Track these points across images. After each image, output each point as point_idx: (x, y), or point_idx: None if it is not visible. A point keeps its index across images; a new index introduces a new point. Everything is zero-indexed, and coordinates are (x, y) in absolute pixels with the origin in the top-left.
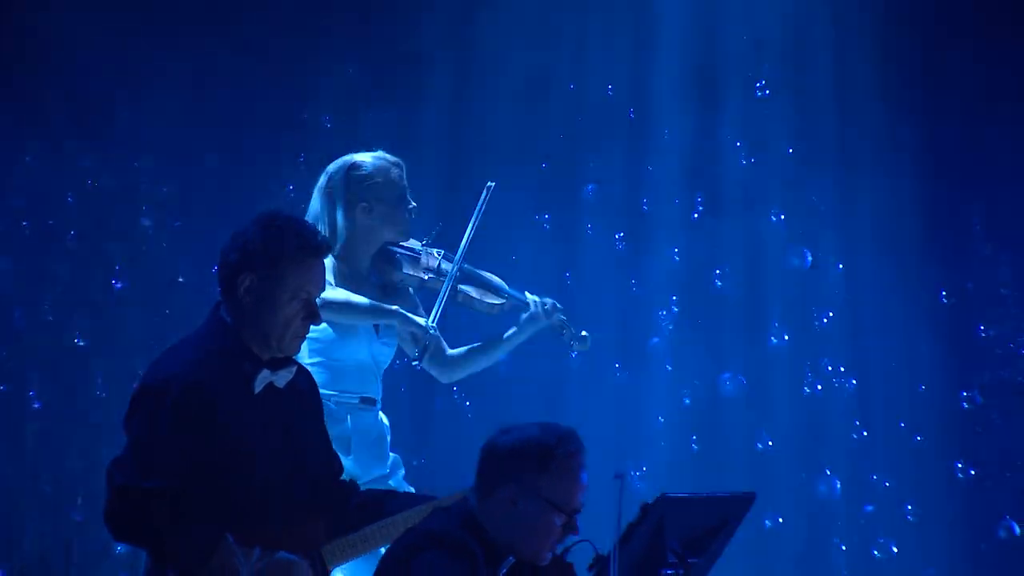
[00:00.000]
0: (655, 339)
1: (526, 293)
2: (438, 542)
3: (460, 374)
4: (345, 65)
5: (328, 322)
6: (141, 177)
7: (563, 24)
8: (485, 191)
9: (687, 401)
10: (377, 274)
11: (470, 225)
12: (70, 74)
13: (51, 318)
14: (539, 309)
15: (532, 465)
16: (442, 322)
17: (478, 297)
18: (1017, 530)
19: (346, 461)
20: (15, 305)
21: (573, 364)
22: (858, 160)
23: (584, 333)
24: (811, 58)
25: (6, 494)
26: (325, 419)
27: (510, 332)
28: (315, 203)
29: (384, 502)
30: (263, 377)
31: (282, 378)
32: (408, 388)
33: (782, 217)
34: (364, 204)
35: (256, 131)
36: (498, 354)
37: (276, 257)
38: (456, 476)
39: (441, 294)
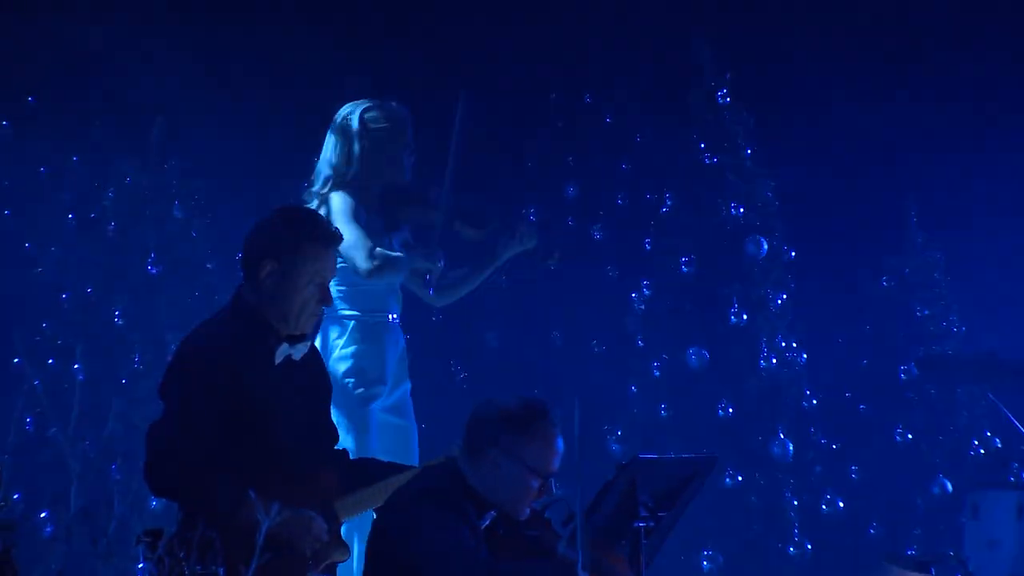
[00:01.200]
0: (629, 319)
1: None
2: (433, 497)
3: (453, 297)
4: (357, 66)
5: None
6: (173, 176)
7: (543, 39)
8: (460, 104)
9: (657, 373)
10: (381, 210)
11: (452, 141)
12: (110, 86)
13: (94, 299)
14: (519, 234)
15: (514, 432)
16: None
17: (468, 226)
18: (949, 487)
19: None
20: (62, 288)
21: (556, 339)
22: (808, 160)
23: (556, 254)
24: (763, 67)
25: (55, 456)
26: (360, 336)
27: (494, 255)
28: (329, 139)
29: (368, 466)
30: (282, 350)
31: (299, 351)
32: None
33: (741, 210)
34: (367, 143)
35: (275, 132)
36: (484, 276)
37: (295, 247)
38: (452, 439)
39: (437, 226)
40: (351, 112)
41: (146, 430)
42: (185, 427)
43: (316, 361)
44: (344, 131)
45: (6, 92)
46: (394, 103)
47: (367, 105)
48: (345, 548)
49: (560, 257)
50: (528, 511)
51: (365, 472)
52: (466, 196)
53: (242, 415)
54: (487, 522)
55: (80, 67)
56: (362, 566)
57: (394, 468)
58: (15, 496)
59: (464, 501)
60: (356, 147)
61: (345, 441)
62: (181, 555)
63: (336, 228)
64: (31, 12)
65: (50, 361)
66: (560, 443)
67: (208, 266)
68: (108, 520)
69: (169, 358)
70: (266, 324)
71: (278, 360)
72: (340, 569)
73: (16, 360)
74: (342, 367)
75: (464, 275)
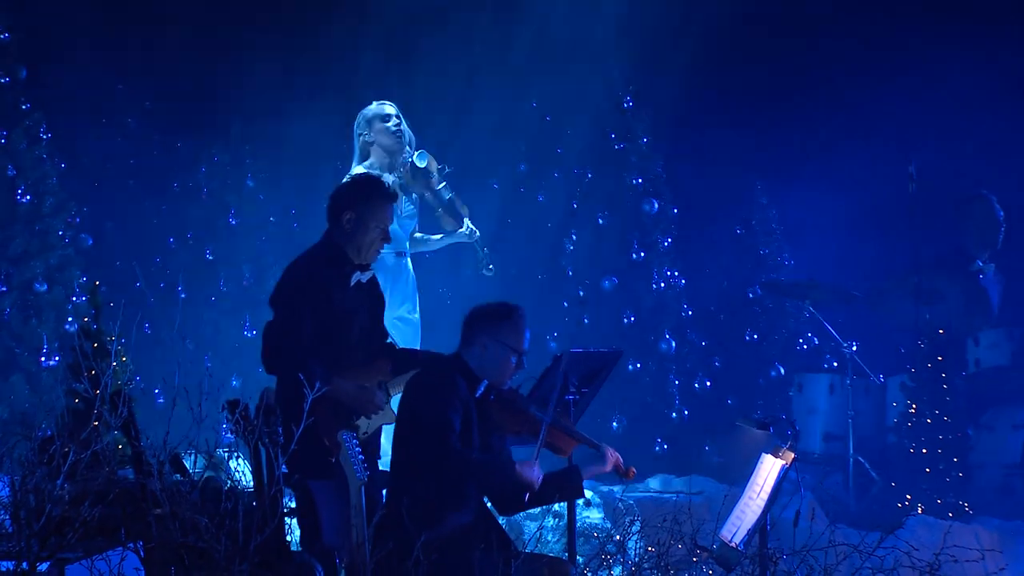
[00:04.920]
0: (562, 257)
1: (467, 222)
2: (437, 378)
3: (417, 250)
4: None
5: None
6: (246, 156)
7: (513, 59)
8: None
9: (581, 293)
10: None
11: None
12: (203, 89)
13: (191, 242)
14: (468, 232)
15: (497, 322)
16: None
17: (449, 217)
18: (782, 371)
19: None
20: (169, 234)
21: (511, 269)
22: (685, 146)
23: (491, 266)
24: (655, 82)
25: (164, 350)
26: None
27: (451, 238)
28: (354, 136)
29: (411, 355)
30: (355, 276)
31: (366, 276)
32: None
33: (639, 180)
34: (364, 134)
35: (320, 124)
36: (437, 246)
37: (367, 201)
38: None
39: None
40: (357, 118)
41: (263, 329)
42: (288, 327)
43: (376, 283)
44: (359, 134)
45: (130, 96)
46: (380, 102)
47: (362, 111)
48: (392, 413)
49: (492, 268)
50: (509, 382)
51: (406, 360)
52: (456, 201)
53: (327, 319)
54: (481, 390)
55: (181, 77)
56: None
57: (425, 355)
58: (137, 378)
59: (460, 378)
60: (365, 139)
61: None
62: (251, 418)
63: (393, 188)
64: (144, 40)
65: (161, 285)
66: (528, 332)
67: (271, 219)
68: (200, 395)
69: (244, 283)
70: (345, 256)
71: (352, 283)
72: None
73: (138, 284)
74: None
75: (427, 240)
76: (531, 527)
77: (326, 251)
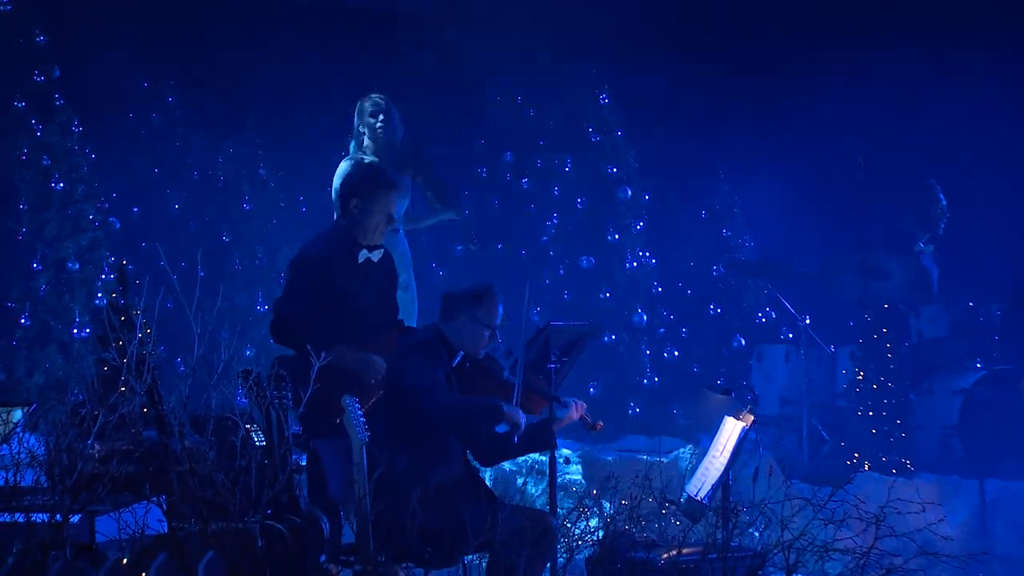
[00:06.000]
0: (544, 238)
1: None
2: (420, 347)
3: (412, 227)
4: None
5: None
6: (259, 148)
7: (495, 62)
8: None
9: (561, 272)
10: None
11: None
12: (221, 87)
13: (209, 225)
14: (456, 212)
15: (473, 301)
16: None
17: (436, 202)
18: (743, 342)
19: None
20: (189, 218)
21: (500, 250)
22: (655, 138)
23: (476, 241)
24: (629, 80)
25: (184, 323)
26: None
27: (438, 217)
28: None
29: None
30: (363, 254)
31: (376, 255)
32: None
33: (614, 169)
34: (359, 124)
35: (325, 119)
36: (429, 223)
37: (373, 189)
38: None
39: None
40: (355, 108)
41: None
42: (294, 300)
43: (389, 261)
44: (356, 123)
45: (153, 93)
46: (370, 96)
47: (360, 101)
48: None
49: (477, 243)
50: (483, 352)
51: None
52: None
53: (332, 294)
54: (458, 360)
55: (200, 75)
56: None
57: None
58: (160, 348)
59: (440, 348)
60: (359, 128)
61: None
62: (263, 385)
63: (394, 176)
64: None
65: (182, 264)
66: (501, 307)
67: (281, 204)
68: (217, 363)
69: (256, 262)
70: (352, 238)
71: (360, 260)
72: None
73: (161, 263)
74: None
75: (419, 218)
76: (517, 482)
77: (335, 232)
